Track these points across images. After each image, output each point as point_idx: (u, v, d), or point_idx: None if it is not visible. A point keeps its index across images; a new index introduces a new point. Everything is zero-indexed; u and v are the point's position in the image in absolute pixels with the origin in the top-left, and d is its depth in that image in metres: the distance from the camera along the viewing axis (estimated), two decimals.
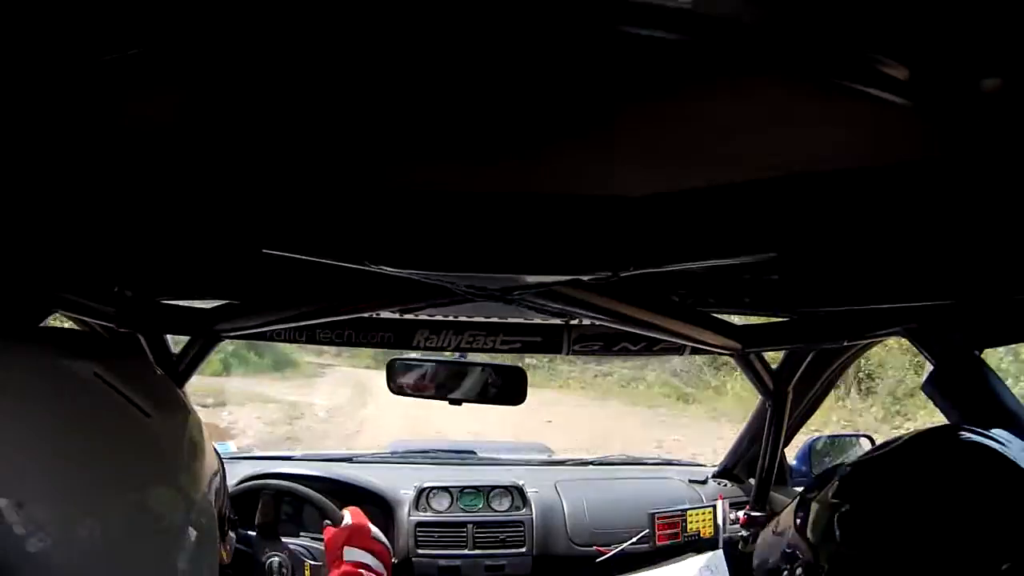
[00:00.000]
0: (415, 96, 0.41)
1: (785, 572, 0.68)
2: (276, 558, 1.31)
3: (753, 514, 1.48)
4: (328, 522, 1.11)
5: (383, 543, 1.06)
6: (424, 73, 0.38)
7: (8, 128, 0.45)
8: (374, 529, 1.07)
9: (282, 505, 1.50)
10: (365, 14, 0.32)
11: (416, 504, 1.55)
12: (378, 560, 1.02)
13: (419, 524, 1.52)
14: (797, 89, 0.39)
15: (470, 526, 1.52)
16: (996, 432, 0.61)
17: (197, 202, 0.62)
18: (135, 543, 0.51)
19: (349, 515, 1.10)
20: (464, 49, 0.35)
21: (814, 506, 0.65)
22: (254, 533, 1.40)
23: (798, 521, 0.68)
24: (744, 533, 1.48)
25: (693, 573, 1.38)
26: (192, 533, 0.57)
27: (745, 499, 1.58)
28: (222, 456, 1.81)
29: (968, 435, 0.65)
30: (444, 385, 1.16)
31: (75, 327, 1.04)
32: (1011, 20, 0.29)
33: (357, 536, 1.04)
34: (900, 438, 0.71)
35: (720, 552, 1.44)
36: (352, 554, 1.00)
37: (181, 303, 0.99)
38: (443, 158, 0.51)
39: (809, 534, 0.64)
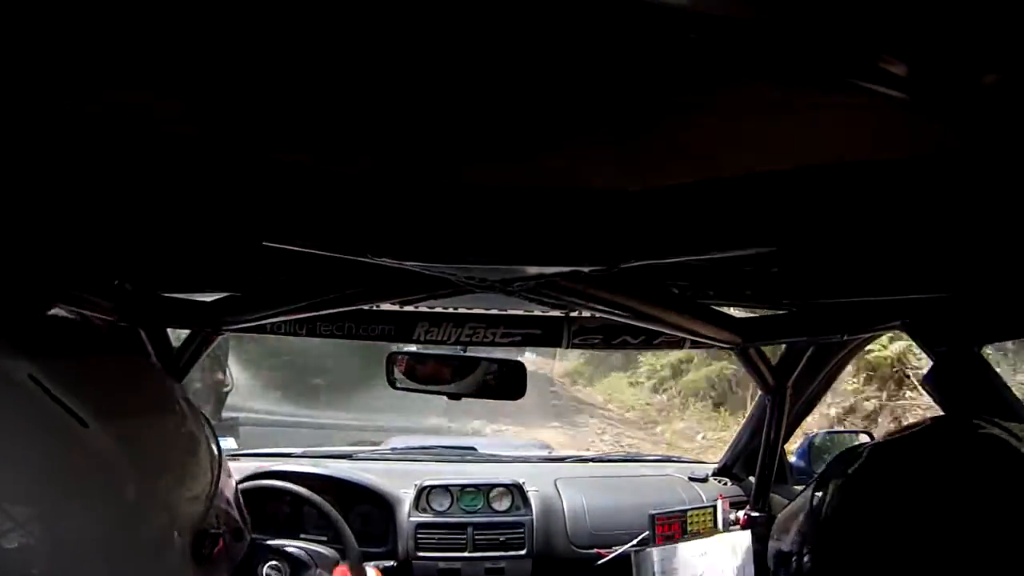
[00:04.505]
0: (416, 90, 0.42)
1: (795, 558, 0.68)
2: (273, 562, 1.30)
3: (753, 514, 1.48)
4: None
5: None
6: (425, 68, 0.39)
7: (9, 122, 0.45)
8: None
9: (281, 505, 1.50)
10: (366, 8, 0.32)
11: (416, 504, 1.53)
12: None
13: (419, 525, 1.51)
14: (797, 84, 0.39)
15: (470, 528, 1.51)
16: (1012, 425, 0.61)
17: (198, 194, 0.62)
18: (69, 560, 0.48)
19: None
20: (466, 44, 0.36)
21: (830, 487, 0.65)
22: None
23: (814, 503, 0.68)
24: None
25: (719, 548, 1.37)
26: (138, 549, 0.53)
27: (745, 498, 1.57)
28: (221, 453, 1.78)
29: (985, 425, 0.65)
30: (443, 379, 1.15)
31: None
32: (1009, 16, 0.30)
33: None
34: (919, 423, 0.71)
35: (748, 532, 1.43)
36: None
37: (182, 296, 0.99)
38: (443, 151, 0.52)
39: (823, 517, 0.65)
